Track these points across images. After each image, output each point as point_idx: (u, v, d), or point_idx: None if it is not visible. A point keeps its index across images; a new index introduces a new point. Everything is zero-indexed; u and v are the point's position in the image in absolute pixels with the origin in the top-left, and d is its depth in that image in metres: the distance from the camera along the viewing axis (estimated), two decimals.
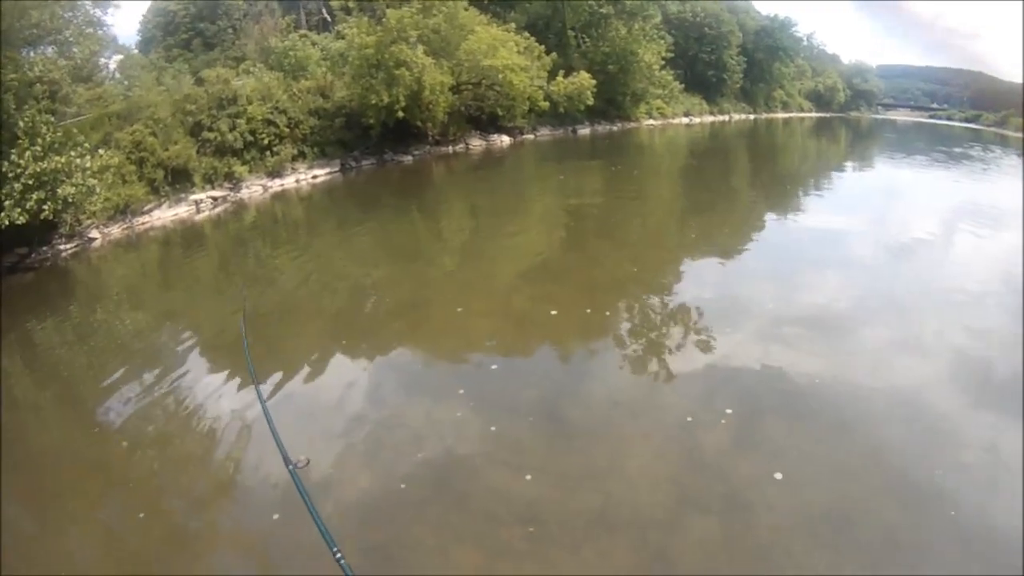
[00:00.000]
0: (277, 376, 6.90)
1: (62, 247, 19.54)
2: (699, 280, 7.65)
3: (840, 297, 6.83)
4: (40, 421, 7.69)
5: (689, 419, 4.73)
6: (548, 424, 4.95)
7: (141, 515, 4.91)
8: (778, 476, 3.84)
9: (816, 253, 8.92)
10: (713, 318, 6.38)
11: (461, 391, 5.85)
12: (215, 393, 6.73)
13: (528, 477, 4.34)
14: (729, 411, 4.66)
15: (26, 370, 9.82)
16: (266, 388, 6.67)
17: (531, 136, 32.47)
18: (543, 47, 31.90)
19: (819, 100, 73.56)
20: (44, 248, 19.23)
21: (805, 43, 71.68)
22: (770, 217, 11.15)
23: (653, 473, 4.17)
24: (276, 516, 4.42)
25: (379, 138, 26.27)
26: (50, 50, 25.14)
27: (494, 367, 6.21)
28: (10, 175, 16.41)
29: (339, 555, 2.23)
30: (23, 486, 5.80)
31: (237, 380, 7.04)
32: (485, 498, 4.26)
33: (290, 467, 2.94)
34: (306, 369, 7.00)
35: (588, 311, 7.46)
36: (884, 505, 4.03)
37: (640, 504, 3.94)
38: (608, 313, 7.33)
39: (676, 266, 8.58)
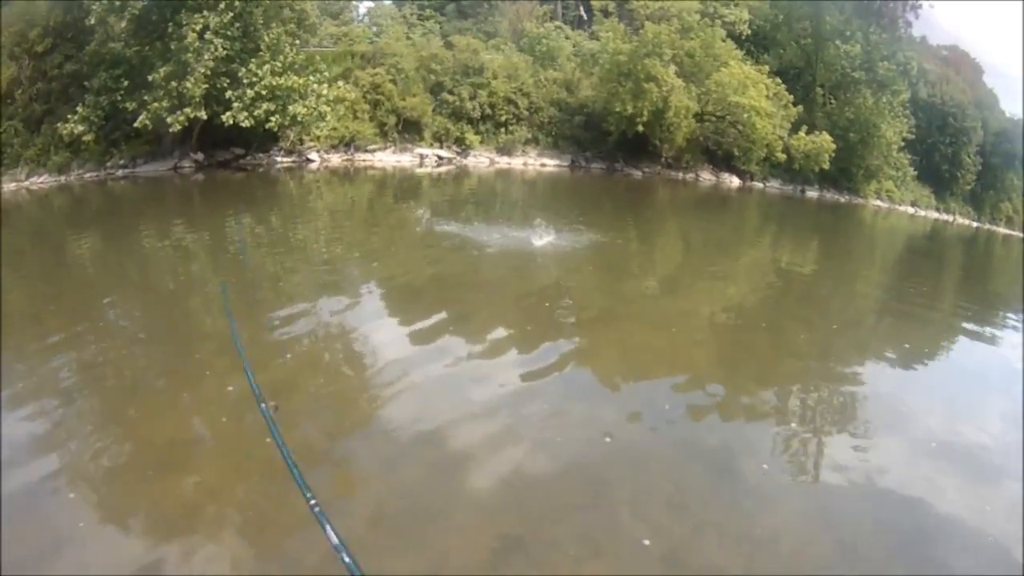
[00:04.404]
0: (448, 344, 6.76)
1: (279, 159, 20.54)
2: (877, 381, 7.08)
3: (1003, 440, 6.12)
4: (207, 306, 7.86)
5: (844, 517, 4.47)
6: (719, 476, 4.75)
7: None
8: None
9: (995, 386, 8.08)
10: (877, 420, 6.04)
11: (630, 420, 5.59)
12: (379, 335, 6.81)
13: (685, 521, 4.24)
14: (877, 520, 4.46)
15: (210, 258, 10.15)
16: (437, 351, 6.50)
17: (760, 185, 30.45)
18: (791, 97, 30.02)
19: None
20: (261, 155, 20.26)
21: None
22: (964, 336, 10.17)
23: (804, 556, 3.96)
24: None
25: (614, 146, 25.53)
26: None
27: (667, 405, 5.89)
28: (245, 81, 17.34)
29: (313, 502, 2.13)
30: (170, 357, 6.08)
31: (407, 329, 7.06)
32: (635, 527, 4.09)
33: (263, 406, 2.85)
34: (478, 347, 6.72)
35: (769, 377, 6.98)
36: None
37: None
38: (784, 384, 6.80)
39: (860, 359, 7.91)
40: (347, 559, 1.57)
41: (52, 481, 4.06)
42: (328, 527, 1.73)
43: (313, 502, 1.99)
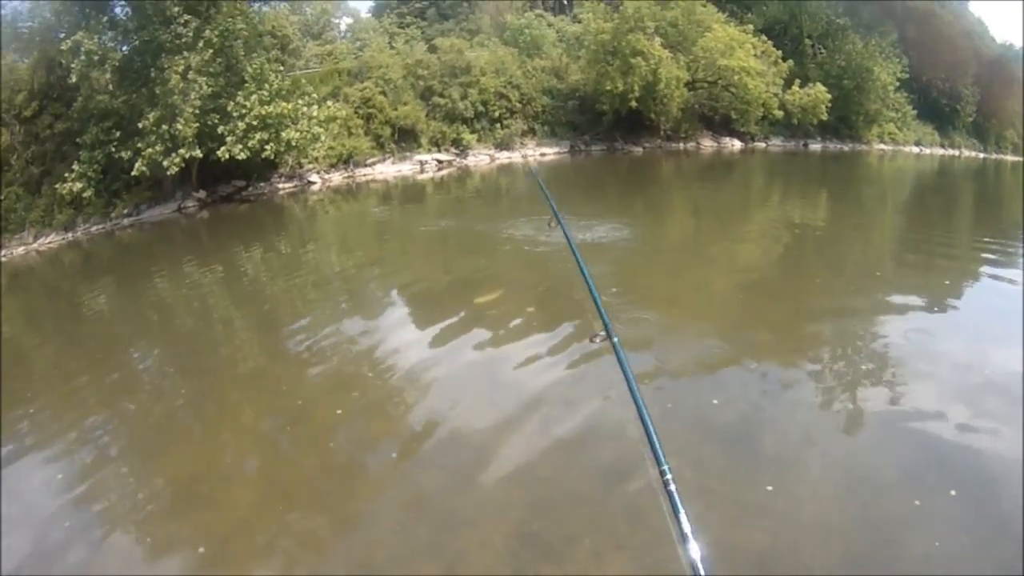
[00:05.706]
0: (441, 330, 6.83)
1: (280, 185, 20.53)
2: (905, 326, 6.98)
3: None
4: (228, 337, 7.96)
5: (871, 475, 4.25)
6: (736, 448, 4.53)
7: (305, 447, 4.90)
8: (937, 545, 3.54)
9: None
10: (910, 368, 5.82)
11: (651, 392, 5.22)
12: (405, 344, 6.57)
13: (702, 499, 3.97)
14: (910, 476, 4.21)
15: (226, 290, 10.22)
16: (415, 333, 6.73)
17: (762, 144, 30.08)
18: (780, 53, 29.42)
19: None
20: (262, 184, 20.27)
21: None
22: (986, 271, 9.84)
23: (826, 524, 3.81)
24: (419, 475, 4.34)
25: (611, 125, 25.28)
26: (283, 6, 26.84)
27: (689, 373, 5.74)
28: (235, 115, 17.19)
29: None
30: (197, 391, 6.08)
31: (430, 334, 6.81)
32: (656, 514, 3.79)
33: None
34: (483, 334, 6.67)
35: (794, 335, 6.86)
36: None
37: (805, 554, 3.62)
38: (812, 341, 6.66)
39: (885, 306, 7.56)
40: (692, 544, 1.48)
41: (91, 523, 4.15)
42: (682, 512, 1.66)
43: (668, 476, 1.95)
